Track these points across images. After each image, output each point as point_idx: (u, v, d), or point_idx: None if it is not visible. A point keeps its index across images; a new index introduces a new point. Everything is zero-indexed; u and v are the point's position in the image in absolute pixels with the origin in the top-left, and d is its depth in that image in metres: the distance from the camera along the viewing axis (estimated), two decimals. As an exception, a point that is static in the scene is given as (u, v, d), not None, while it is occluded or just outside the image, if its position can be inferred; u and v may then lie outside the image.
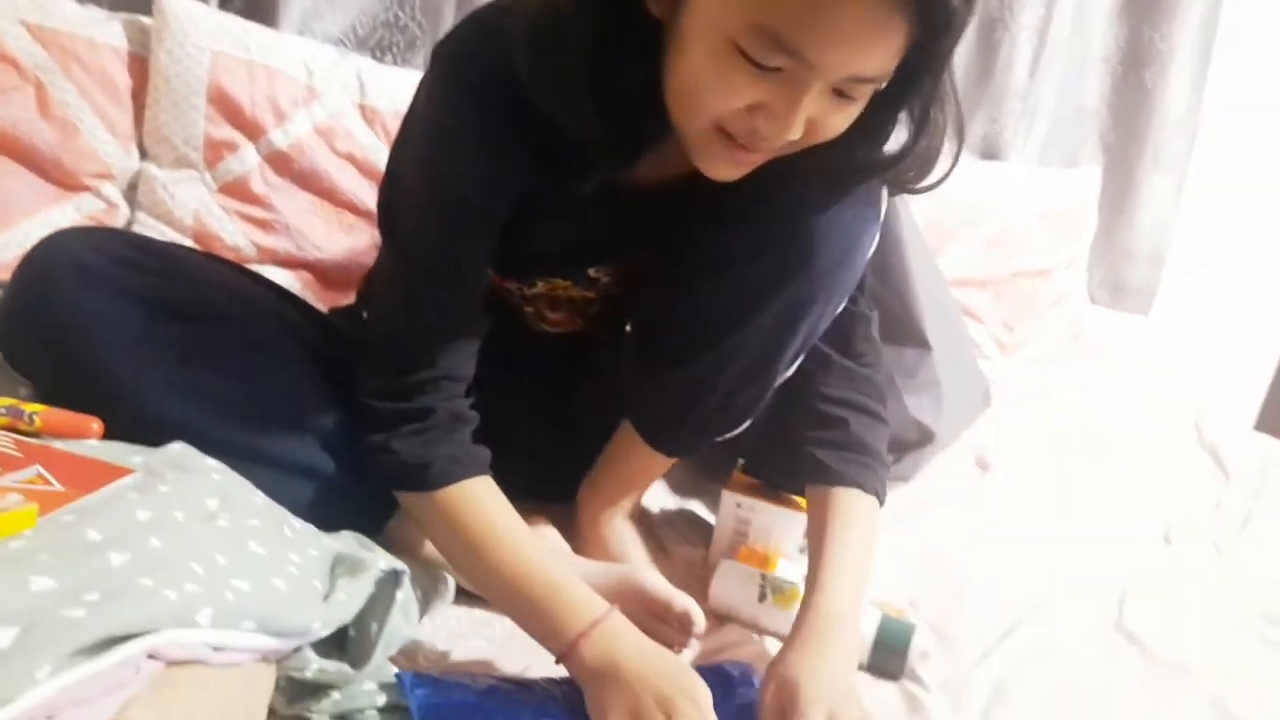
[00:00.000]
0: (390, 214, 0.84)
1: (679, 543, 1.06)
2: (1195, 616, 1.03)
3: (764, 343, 0.84)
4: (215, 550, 0.59)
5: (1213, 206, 1.96)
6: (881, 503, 0.90)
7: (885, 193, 0.82)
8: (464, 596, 0.87)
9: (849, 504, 0.88)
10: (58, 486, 0.61)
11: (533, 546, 0.78)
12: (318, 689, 0.69)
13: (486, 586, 0.80)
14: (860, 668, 0.87)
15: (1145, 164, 1.86)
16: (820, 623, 0.78)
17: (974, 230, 1.66)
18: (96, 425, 0.71)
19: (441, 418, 0.78)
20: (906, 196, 1.14)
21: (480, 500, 0.78)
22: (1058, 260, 1.74)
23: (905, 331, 1.13)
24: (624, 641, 0.72)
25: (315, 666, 0.67)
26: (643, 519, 1.07)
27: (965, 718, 0.82)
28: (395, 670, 0.74)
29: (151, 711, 0.47)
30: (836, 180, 0.77)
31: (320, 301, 1.17)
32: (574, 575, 0.77)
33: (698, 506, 1.14)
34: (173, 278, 0.81)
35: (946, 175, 0.76)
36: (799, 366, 0.89)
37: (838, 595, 0.80)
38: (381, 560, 0.70)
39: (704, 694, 0.69)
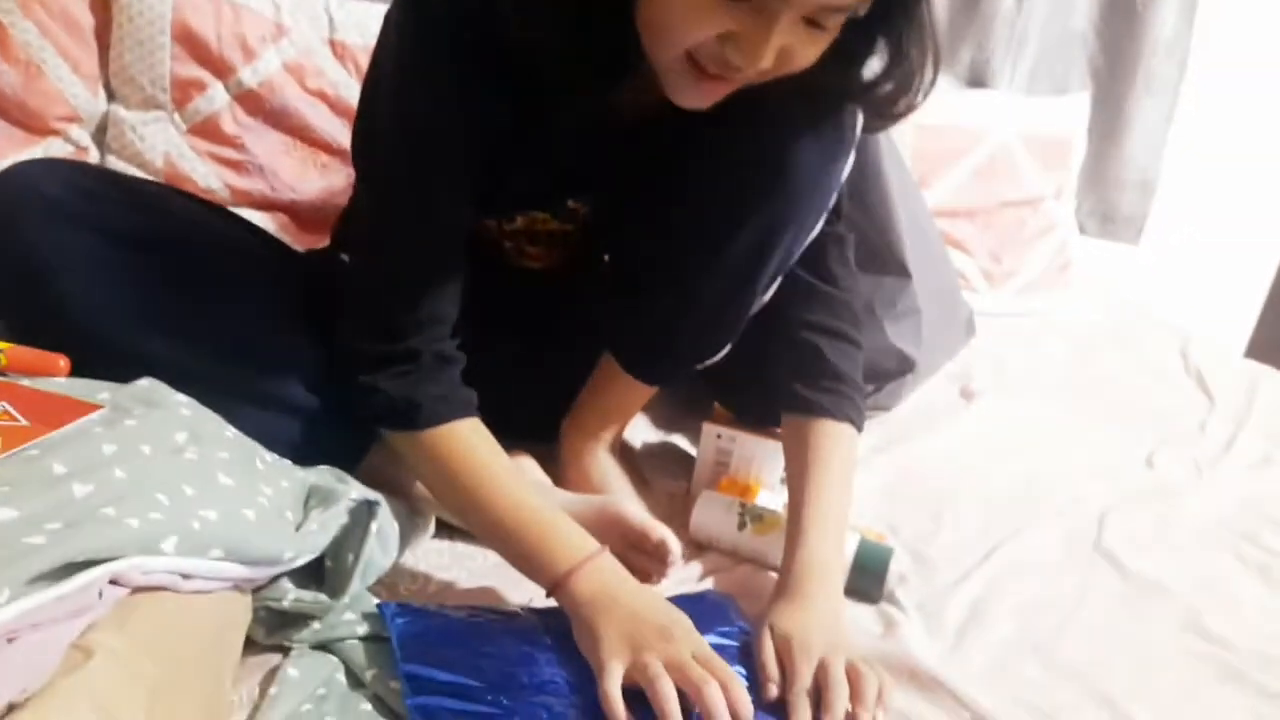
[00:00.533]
0: (364, 153, 0.83)
1: (661, 475, 1.07)
2: (1173, 536, 1.04)
3: (740, 266, 0.84)
4: (182, 481, 0.59)
5: (1204, 134, 1.94)
6: (859, 429, 0.90)
7: (859, 117, 0.81)
8: (445, 530, 0.88)
9: (827, 437, 0.88)
10: (23, 422, 0.61)
11: (523, 486, 0.78)
12: (298, 619, 0.69)
13: (476, 523, 0.80)
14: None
15: (1136, 90, 1.83)
16: (805, 574, 0.79)
17: (961, 160, 1.63)
18: (63, 363, 0.71)
19: (428, 360, 0.78)
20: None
21: (469, 440, 0.78)
22: (1046, 190, 1.72)
23: (885, 260, 1.13)
24: (617, 577, 0.73)
25: (292, 596, 0.68)
26: (625, 453, 1.08)
27: (941, 637, 0.83)
28: (376, 600, 0.75)
29: (115, 634, 0.48)
30: (809, 105, 0.77)
31: (297, 244, 1.16)
32: (565, 514, 0.77)
33: (680, 440, 1.14)
34: (139, 210, 0.80)
35: (918, 104, 0.75)
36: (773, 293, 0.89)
37: (820, 543, 0.81)
38: (354, 491, 0.70)
39: (696, 632, 0.69)
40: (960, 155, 1.64)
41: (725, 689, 0.64)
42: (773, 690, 0.70)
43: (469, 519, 0.81)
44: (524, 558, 0.75)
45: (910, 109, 0.75)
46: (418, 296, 0.78)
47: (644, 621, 0.68)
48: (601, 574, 0.72)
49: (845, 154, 0.82)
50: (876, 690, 0.69)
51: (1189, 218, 1.99)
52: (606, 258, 1.00)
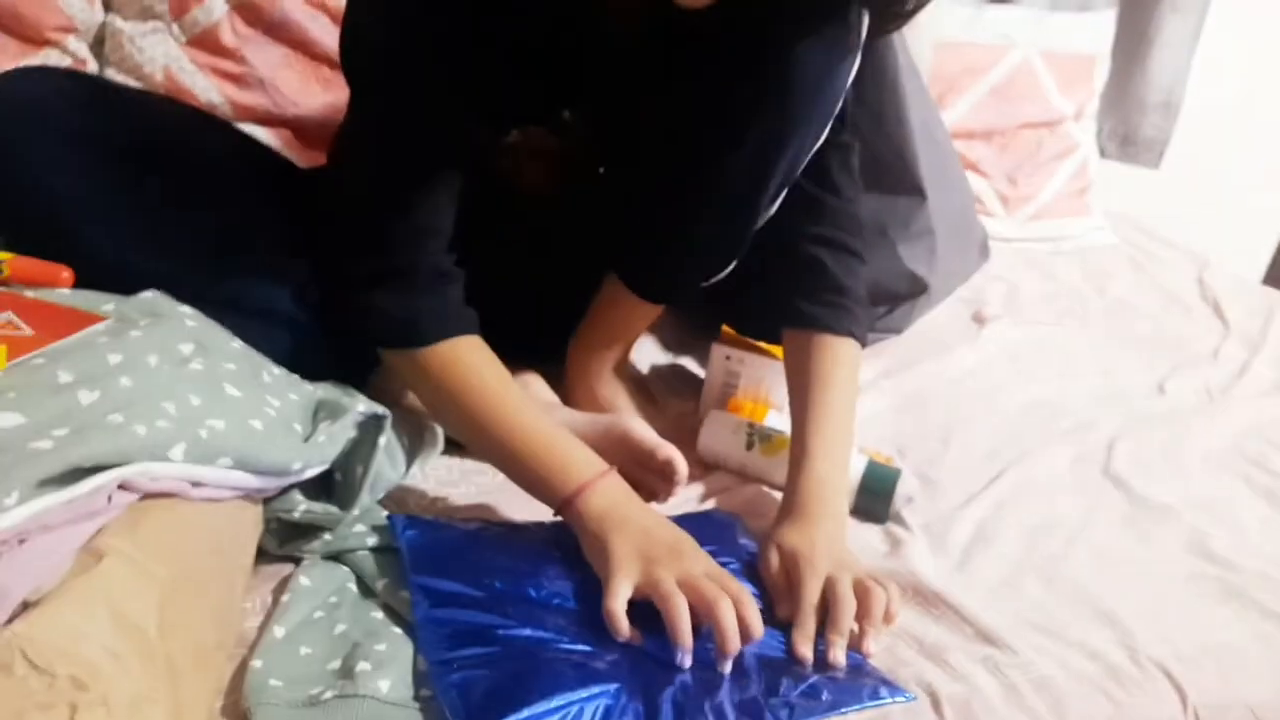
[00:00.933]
0: (352, 59, 0.80)
1: (669, 396, 1.06)
2: (1182, 461, 1.04)
3: (743, 177, 0.82)
4: (189, 391, 0.58)
5: (1230, 55, 1.88)
6: (863, 343, 0.89)
7: (865, 17, 0.78)
8: (454, 445, 0.88)
9: (829, 352, 0.87)
10: (27, 332, 0.60)
11: (528, 405, 0.77)
12: (309, 531, 0.70)
13: (482, 444, 0.78)
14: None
15: (1162, 6, 1.77)
16: (809, 494, 0.79)
17: (980, 78, 1.59)
18: (67, 274, 0.70)
19: (425, 274, 0.76)
20: (906, 38, 1.10)
21: (471, 358, 0.77)
22: (1067, 110, 1.68)
23: (899, 179, 1.10)
24: (627, 496, 0.72)
25: (303, 508, 0.68)
26: (632, 373, 1.08)
27: (947, 556, 0.84)
28: (385, 513, 0.75)
29: (126, 538, 0.48)
30: (812, 6, 0.74)
31: (300, 162, 1.14)
32: (571, 434, 0.76)
33: (688, 362, 1.14)
34: (133, 120, 0.78)
35: (926, 2, 0.72)
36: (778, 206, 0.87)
37: (823, 463, 0.81)
38: (362, 405, 0.70)
39: (705, 553, 0.69)
40: (979, 73, 1.59)
41: (738, 605, 0.64)
42: (781, 606, 0.71)
43: (472, 439, 0.80)
44: (531, 477, 0.75)
45: (919, 8, 0.72)
46: (411, 207, 0.75)
47: (655, 540, 0.68)
48: (611, 492, 0.72)
49: (851, 57, 0.79)
50: (884, 607, 0.69)
51: (1210, 141, 1.94)
52: (602, 172, 0.97)
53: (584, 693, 0.59)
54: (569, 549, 0.74)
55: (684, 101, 0.81)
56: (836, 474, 0.82)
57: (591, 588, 0.70)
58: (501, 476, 0.86)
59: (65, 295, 0.68)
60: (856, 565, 0.75)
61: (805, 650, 0.66)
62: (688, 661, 0.62)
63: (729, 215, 0.85)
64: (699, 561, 0.67)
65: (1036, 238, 1.66)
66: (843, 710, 0.63)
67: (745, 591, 0.66)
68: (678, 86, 0.81)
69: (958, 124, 1.57)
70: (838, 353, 0.87)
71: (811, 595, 0.70)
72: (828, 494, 0.80)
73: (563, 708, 0.57)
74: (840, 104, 0.83)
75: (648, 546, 0.67)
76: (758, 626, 0.64)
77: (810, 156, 0.84)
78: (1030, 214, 1.67)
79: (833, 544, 0.76)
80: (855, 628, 0.69)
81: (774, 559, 0.74)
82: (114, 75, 1.17)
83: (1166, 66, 1.82)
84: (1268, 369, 1.30)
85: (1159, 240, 1.76)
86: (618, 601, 0.64)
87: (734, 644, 0.63)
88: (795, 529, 0.76)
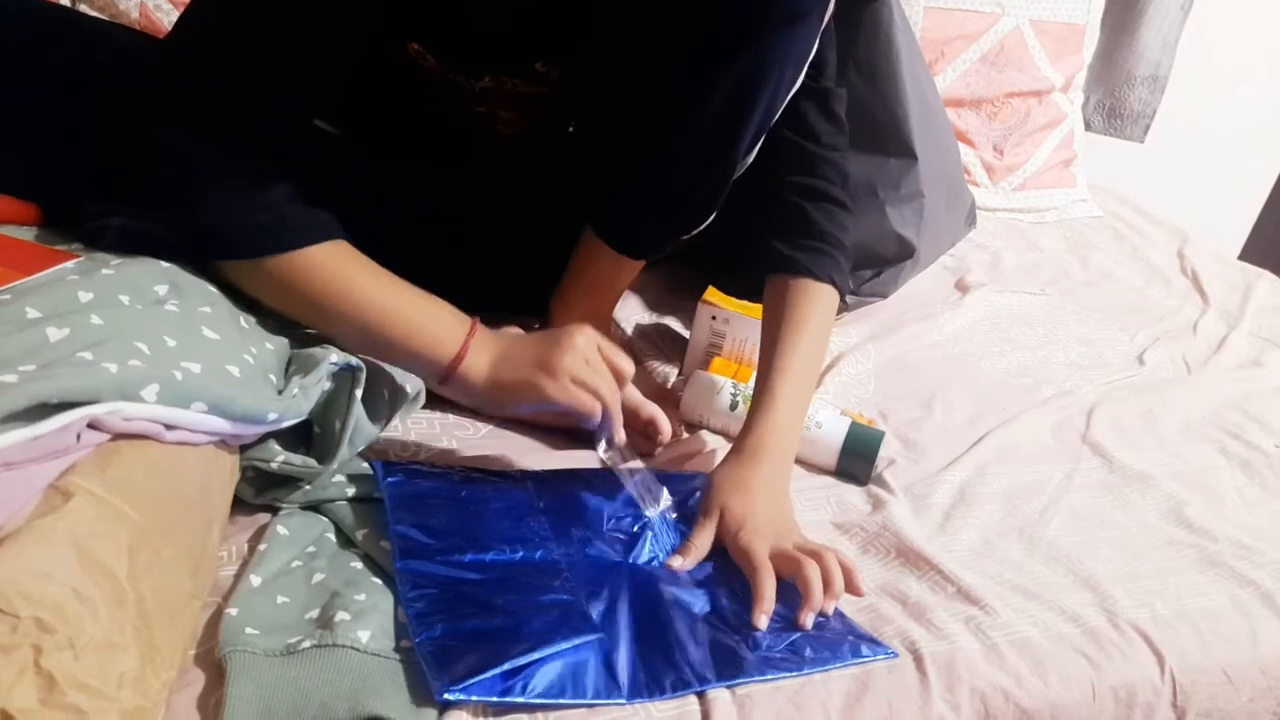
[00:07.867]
0: None
1: (653, 356, 1.05)
2: (1160, 430, 1.05)
3: (718, 123, 0.79)
4: (163, 332, 0.56)
5: (1215, 30, 1.88)
6: (841, 291, 0.89)
7: None
8: (436, 400, 0.86)
9: (804, 296, 0.86)
10: (-7, 267, 0.58)
11: (381, 279, 0.71)
12: (287, 480, 0.68)
13: (345, 338, 0.72)
14: (830, 472, 0.88)
15: (1154, -23, 1.76)
16: (765, 437, 0.79)
17: (971, 45, 1.58)
18: (35, 211, 0.68)
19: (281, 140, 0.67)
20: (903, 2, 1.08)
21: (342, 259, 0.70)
22: (1055, 80, 1.67)
23: (891, 140, 1.09)
24: (494, 340, 0.73)
25: (280, 459, 0.67)
26: (616, 333, 1.06)
27: (928, 518, 0.84)
28: (366, 462, 0.74)
29: (95, 479, 0.46)
30: None
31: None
32: (425, 303, 0.72)
33: (673, 322, 1.13)
34: (101, 55, 0.75)
35: None
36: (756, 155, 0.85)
37: (785, 405, 0.81)
38: (334, 355, 0.68)
39: (581, 343, 0.72)
40: (970, 40, 1.58)
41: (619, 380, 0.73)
42: (685, 563, 0.72)
43: (332, 334, 0.73)
44: (402, 361, 0.73)
45: None
46: (281, 64, 0.67)
47: (535, 357, 0.71)
48: (484, 349, 0.72)
49: (821, 4, 0.77)
50: (843, 584, 0.69)
51: (1189, 116, 1.94)
52: (571, 129, 0.94)
53: (563, 644, 0.58)
54: (553, 499, 0.74)
55: (654, 48, 0.78)
56: (795, 419, 0.82)
57: (575, 539, 0.70)
58: (485, 429, 0.85)
59: (34, 233, 0.65)
60: (796, 530, 0.74)
61: (763, 624, 0.66)
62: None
63: (704, 164, 0.83)
64: (580, 354, 0.71)
65: (1021, 208, 1.66)
66: (826, 667, 0.62)
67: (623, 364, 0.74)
68: (645, 37, 0.78)
69: (947, 91, 1.56)
70: (812, 297, 0.86)
71: (767, 579, 0.68)
72: (782, 439, 0.79)
73: (540, 662, 0.57)
74: (814, 49, 0.81)
75: (539, 365, 0.71)
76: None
77: (786, 104, 0.82)
78: (1015, 184, 1.66)
79: (774, 498, 0.75)
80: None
81: (716, 509, 0.74)
82: (86, 11, 1.13)
83: (1156, 39, 1.81)
84: (1245, 343, 1.31)
85: (1141, 214, 1.76)
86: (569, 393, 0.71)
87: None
88: (742, 484, 0.76)
